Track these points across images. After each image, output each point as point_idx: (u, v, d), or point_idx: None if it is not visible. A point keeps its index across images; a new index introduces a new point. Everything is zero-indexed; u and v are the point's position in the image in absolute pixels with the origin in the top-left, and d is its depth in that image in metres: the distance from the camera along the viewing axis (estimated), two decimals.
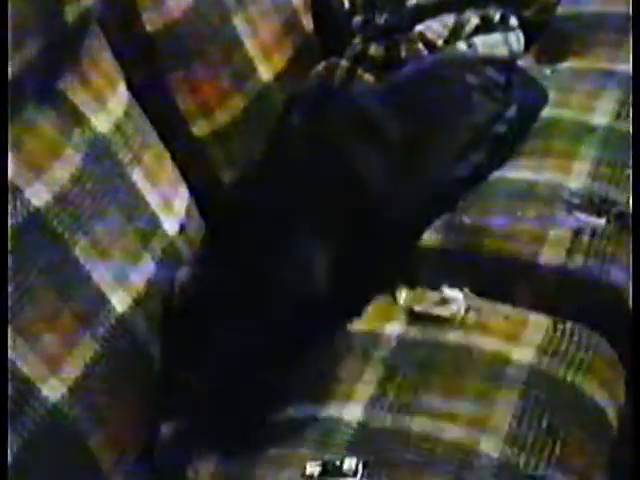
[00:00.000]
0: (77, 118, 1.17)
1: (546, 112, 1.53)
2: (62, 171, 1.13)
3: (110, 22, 1.28)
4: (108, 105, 1.23)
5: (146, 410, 1.16)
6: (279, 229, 1.14)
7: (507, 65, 1.57)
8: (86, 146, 1.17)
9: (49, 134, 1.13)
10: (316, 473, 1.04)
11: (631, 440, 1.08)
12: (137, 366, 1.17)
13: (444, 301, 1.26)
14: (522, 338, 1.20)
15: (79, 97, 1.19)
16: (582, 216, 1.38)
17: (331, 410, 1.11)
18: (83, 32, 1.21)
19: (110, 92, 1.25)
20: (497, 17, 1.69)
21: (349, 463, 1.04)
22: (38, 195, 1.08)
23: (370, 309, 1.23)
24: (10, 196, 1.05)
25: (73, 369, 1.08)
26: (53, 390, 1.04)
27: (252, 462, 1.08)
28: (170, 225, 1.28)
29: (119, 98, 1.26)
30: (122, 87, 1.28)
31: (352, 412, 1.11)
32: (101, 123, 1.20)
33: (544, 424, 1.10)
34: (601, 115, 1.53)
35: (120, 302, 1.15)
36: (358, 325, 1.21)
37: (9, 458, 0.98)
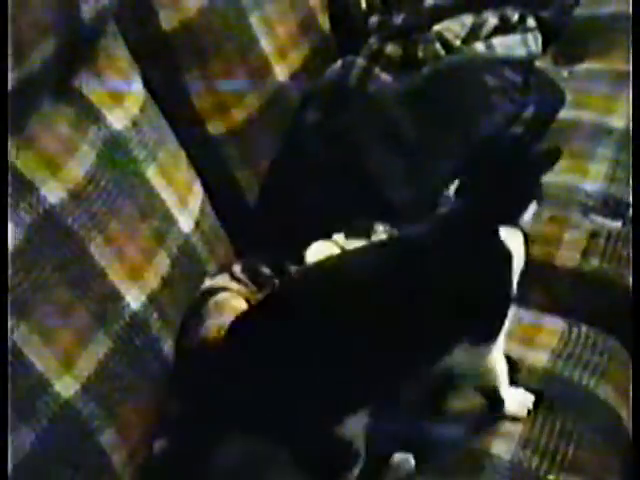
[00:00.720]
0: (93, 115, 1.18)
1: (563, 113, 1.53)
2: (77, 168, 1.13)
3: (126, 20, 1.28)
4: (124, 103, 1.23)
5: (159, 407, 1.17)
6: None
7: (525, 66, 1.57)
8: (101, 143, 1.17)
9: (65, 131, 1.13)
10: None
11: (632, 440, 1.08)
12: (151, 363, 1.17)
13: None
14: (536, 341, 1.19)
15: (95, 95, 1.19)
16: (598, 218, 1.37)
17: None
18: (99, 30, 1.21)
19: (126, 90, 1.25)
20: (515, 18, 1.68)
21: None
22: (53, 192, 1.09)
23: None
24: (26, 193, 1.06)
25: (87, 366, 1.08)
26: (66, 386, 1.05)
27: None
28: (185, 223, 1.28)
29: (135, 96, 1.26)
30: (138, 85, 1.28)
31: None
32: (117, 120, 1.20)
33: (557, 427, 1.09)
34: (619, 117, 1.52)
35: (134, 299, 1.16)
36: None
37: (21, 454, 0.98)
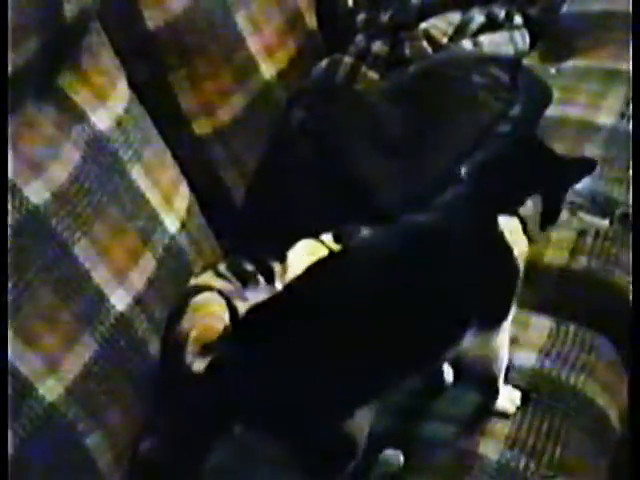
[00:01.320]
0: (77, 115, 1.17)
1: (551, 111, 1.52)
2: (61, 169, 1.12)
3: (111, 19, 1.27)
4: (108, 102, 1.22)
5: (145, 410, 1.16)
6: None
7: (512, 64, 1.56)
8: (85, 143, 1.16)
9: (48, 131, 1.13)
10: None
11: (630, 440, 1.07)
12: (137, 365, 1.16)
13: None
14: (524, 340, 1.19)
15: (79, 94, 1.18)
16: (586, 217, 1.37)
17: None
18: (83, 29, 1.20)
19: (110, 89, 1.24)
20: (502, 15, 1.68)
21: None
22: (37, 193, 1.08)
23: None
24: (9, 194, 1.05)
25: (72, 368, 1.07)
26: (50, 390, 1.04)
27: None
28: (171, 223, 1.27)
29: (119, 95, 1.25)
30: (123, 84, 1.27)
31: None
32: (101, 120, 1.19)
33: (545, 428, 1.09)
34: (606, 115, 1.52)
35: (120, 301, 1.15)
36: None
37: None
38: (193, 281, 1.25)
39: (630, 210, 1.34)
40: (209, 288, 1.20)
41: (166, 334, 1.19)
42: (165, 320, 1.21)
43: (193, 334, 1.14)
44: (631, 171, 1.35)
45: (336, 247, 1.28)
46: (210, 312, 1.16)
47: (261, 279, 1.23)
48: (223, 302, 1.14)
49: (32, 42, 1.07)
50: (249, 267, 1.25)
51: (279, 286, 1.22)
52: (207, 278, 1.24)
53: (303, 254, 1.28)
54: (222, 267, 1.25)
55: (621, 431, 1.18)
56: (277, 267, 1.25)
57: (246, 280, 1.23)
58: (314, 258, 1.24)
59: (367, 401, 0.98)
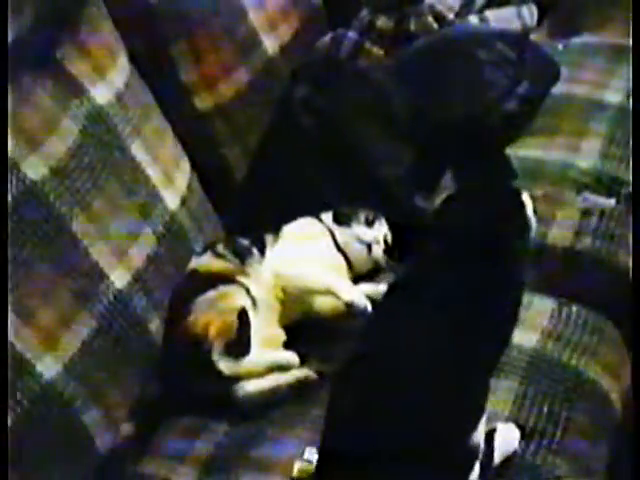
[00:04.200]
0: (75, 89, 1.15)
1: (557, 88, 1.50)
2: (59, 144, 1.11)
3: None
4: (108, 76, 1.21)
5: (143, 386, 1.15)
6: None
7: (519, 40, 1.54)
8: (84, 118, 1.15)
9: (46, 105, 1.11)
10: None
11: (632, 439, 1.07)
12: (135, 343, 1.16)
13: None
14: (527, 321, 1.18)
15: (78, 67, 1.16)
16: (591, 196, 1.35)
17: None
18: (82, 1, 1.18)
19: (110, 63, 1.22)
20: None
21: None
22: (34, 168, 1.07)
23: None
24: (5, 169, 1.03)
25: (69, 346, 1.07)
26: (48, 367, 1.03)
27: None
28: (171, 199, 1.26)
29: (119, 69, 1.24)
30: (123, 58, 1.26)
31: None
32: (100, 94, 1.18)
33: (545, 409, 1.08)
34: (614, 93, 1.50)
35: (119, 278, 1.14)
36: None
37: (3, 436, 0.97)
38: (194, 262, 1.24)
39: (631, 188, 1.32)
40: (211, 276, 1.19)
41: (172, 325, 1.18)
42: (166, 297, 1.20)
43: (212, 332, 1.13)
44: (631, 166, 1.34)
45: (334, 227, 1.27)
46: (224, 308, 1.15)
47: (255, 251, 1.22)
48: (238, 299, 1.14)
49: (29, 13, 1.05)
50: (245, 242, 1.24)
51: (269, 254, 1.22)
52: (207, 260, 1.23)
53: (298, 229, 1.27)
54: (220, 247, 1.24)
55: (622, 413, 1.17)
56: (269, 238, 1.24)
57: (243, 256, 1.22)
58: (309, 235, 1.26)
59: (484, 410, 0.97)
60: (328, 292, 1.18)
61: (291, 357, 1.14)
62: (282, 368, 1.13)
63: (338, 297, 1.16)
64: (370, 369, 0.96)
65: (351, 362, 0.99)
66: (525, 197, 1.08)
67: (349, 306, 1.15)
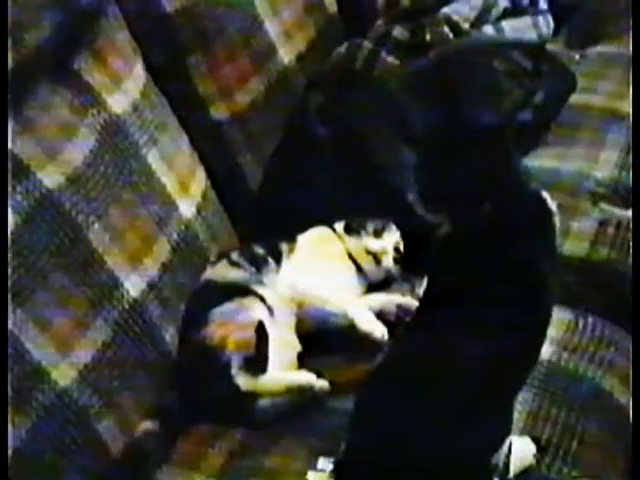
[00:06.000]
0: (92, 98, 1.16)
1: (574, 98, 1.49)
2: (76, 152, 1.11)
3: (128, 1, 1.26)
4: (124, 85, 1.21)
5: (157, 396, 1.16)
6: None
7: (536, 50, 1.54)
8: (101, 127, 1.15)
9: (63, 114, 1.12)
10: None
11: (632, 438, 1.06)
12: (150, 351, 1.16)
13: None
14: None
15: (95, 77, 1.17)
16: (607, 207, 1.34)
17: None
18: (99, 11, 1.19)
19: (127, 72, 1.23)
20: (526, 0, 1.65)
21: None
22: (51, 177, 1.07)
23: None
24: (22, 177, 1.04)
25: (84, 354, 1.07)
26: (63, 375, 1.04)
27: None
28: (186, 208, 1.26)
29: (136, 78, 1.25)
30: (139, 67, 1.26)
31: None
32: (117, 104, 1.19)
33: (561, 421, 1.07)
34: (630, 103, 1.49)
35: (134, 286, 1.14)
36: None
37: (17, 442, 0.98)
38: (209, 271, 1.24)
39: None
40: (227, 287, 1.19)
41: (188, 335, 1.18)
42: (181, 305, 1.20)
43: (230, 346, 1.13)
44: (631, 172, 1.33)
45: (346, 237, 1.27)
46: (242, 322, 1.14)
47: (271, 260, 1.22)
48: (248, 306, 1.15)
49: (47, 24, 1.06)
50: (260, 250, 1.24)
51: (285, 266, 1.22)
52: (222, 269, 1.23)
53: (313, 240, 1.27)
54: (235, 255, 1.24)
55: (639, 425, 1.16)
56: (285, 247, 1.24)
57: (259, 264, 1.22)
58: (323, 246, 1.26)
59: (510, 432, 0.97)
60: (346, 318, 1.18)
61: (311, 378, 1.13)
62: (301, 389, 1.12)
63: (356, 326, 1.17)
64: (397, 384, 0.95)
65: (377, 376, 0.99)
66: (551, 205, 1.05)
67: (366, 334, 1.16)
